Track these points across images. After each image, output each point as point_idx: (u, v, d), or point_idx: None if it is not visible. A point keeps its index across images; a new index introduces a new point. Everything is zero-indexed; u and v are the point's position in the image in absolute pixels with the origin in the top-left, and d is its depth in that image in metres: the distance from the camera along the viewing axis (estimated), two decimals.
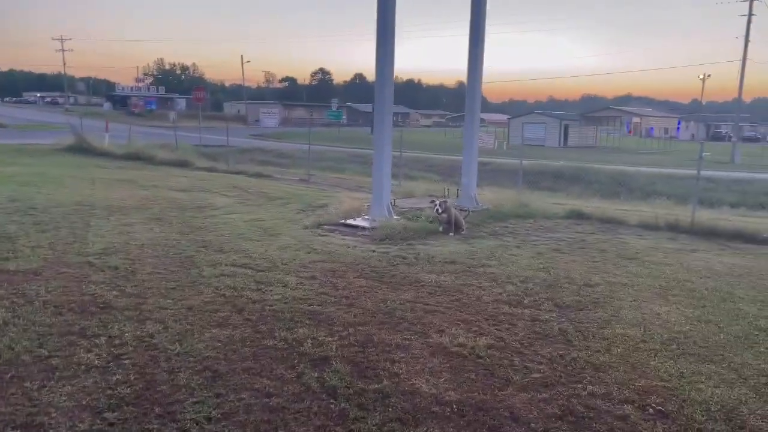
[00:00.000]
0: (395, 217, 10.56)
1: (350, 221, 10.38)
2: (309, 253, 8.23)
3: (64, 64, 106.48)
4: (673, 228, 11.41)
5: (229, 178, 18.55)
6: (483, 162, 28.24)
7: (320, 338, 5.01)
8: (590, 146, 61.45)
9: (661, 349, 5.09)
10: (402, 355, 4.77)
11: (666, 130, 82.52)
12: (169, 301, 5.80)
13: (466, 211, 11.31)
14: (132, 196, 12.90)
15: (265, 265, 7.41)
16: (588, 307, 6.22)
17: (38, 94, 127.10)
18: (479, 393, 4.15)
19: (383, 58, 10.39)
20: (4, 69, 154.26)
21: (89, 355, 4.45)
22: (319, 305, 5.91)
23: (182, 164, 22.34)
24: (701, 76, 77.50)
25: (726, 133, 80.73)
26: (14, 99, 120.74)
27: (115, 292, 5.99)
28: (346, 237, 9.51)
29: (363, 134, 71.06)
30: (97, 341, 4.75)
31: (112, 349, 4.60)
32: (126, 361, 4.38)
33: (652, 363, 4.80)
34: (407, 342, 5.03)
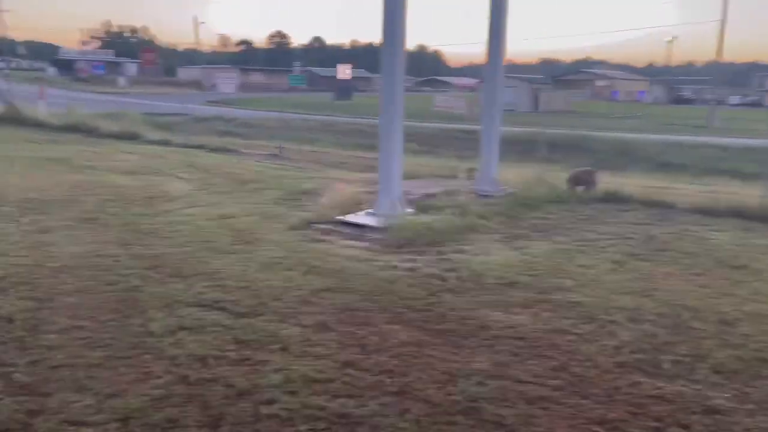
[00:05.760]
0: (408, 210, 8.13)
1: (351, 218, 7.90)
2: (307, 274, 5.76)
3: (4, 26, 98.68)
4: (739, 213, 9.27)
5: (186, 153, 15.67)
6: (467, 130, 25.96)
7: None
8: (563, 111, 59.62)
9: None
10: None
11: (629, 94, 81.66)
12: (87, 402, 3.30)
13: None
14: (60, 183, 10.06)
15: (247, 302, 4.93)
16: (763, 373, 4.01)
17: None
18: None
19: (391, 6, 7.81)
20: None
21: None
22: (349, 396, 3.51)
23: (131, 137, 19.20)
24: (670, 39, 76.34)
25: (688, 96, 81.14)
26: None
27: None
28: (350, 243, 7.04)
29: (326, 100, 67.65)
30: None
31: None
32: None
33: None
34: None
